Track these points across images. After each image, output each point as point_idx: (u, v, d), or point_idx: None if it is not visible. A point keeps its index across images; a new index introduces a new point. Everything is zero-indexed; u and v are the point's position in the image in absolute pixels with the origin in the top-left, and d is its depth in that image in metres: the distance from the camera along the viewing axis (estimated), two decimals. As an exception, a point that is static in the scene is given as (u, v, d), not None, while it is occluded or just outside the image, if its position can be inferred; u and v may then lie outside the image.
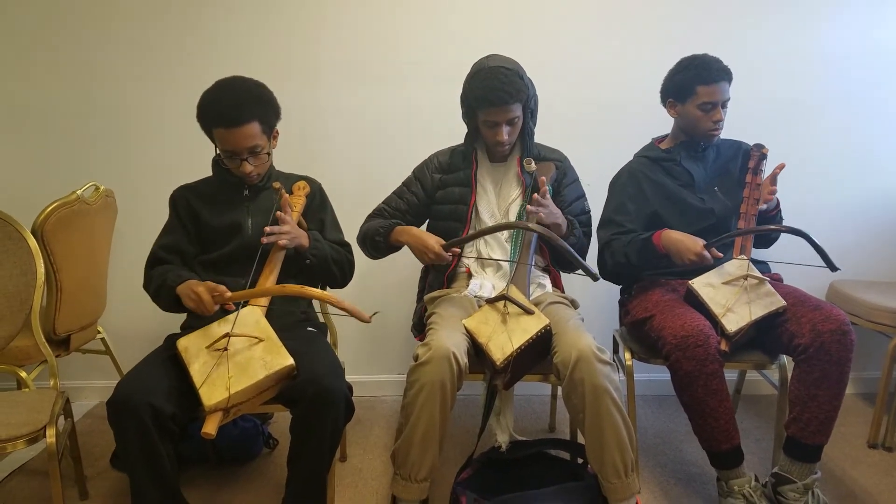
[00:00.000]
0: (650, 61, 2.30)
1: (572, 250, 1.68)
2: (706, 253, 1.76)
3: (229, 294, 1.52)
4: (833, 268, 1.72)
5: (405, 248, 1.88)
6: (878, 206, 2.57)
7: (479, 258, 1.92)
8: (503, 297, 1.68)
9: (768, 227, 1.85)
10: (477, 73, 1.79)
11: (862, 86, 2.47)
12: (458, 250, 1.85)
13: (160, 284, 1.63)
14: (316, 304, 1.98)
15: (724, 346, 1.69)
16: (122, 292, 2.47)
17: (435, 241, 1.78)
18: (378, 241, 1.89)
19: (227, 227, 1.74)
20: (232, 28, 2.38)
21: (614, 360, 2.12)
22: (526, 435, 2.23)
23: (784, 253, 2.19)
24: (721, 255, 1.79)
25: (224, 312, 1.56)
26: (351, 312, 1.46)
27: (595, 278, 1.69)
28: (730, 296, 1.75)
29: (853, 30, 2.42)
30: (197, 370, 1.43)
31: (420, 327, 1.92)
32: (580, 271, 1.74)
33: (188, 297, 1.54)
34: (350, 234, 1.96)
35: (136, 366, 1.51)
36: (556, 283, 2.00)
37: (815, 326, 1.64)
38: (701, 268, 1.79)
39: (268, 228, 1.63)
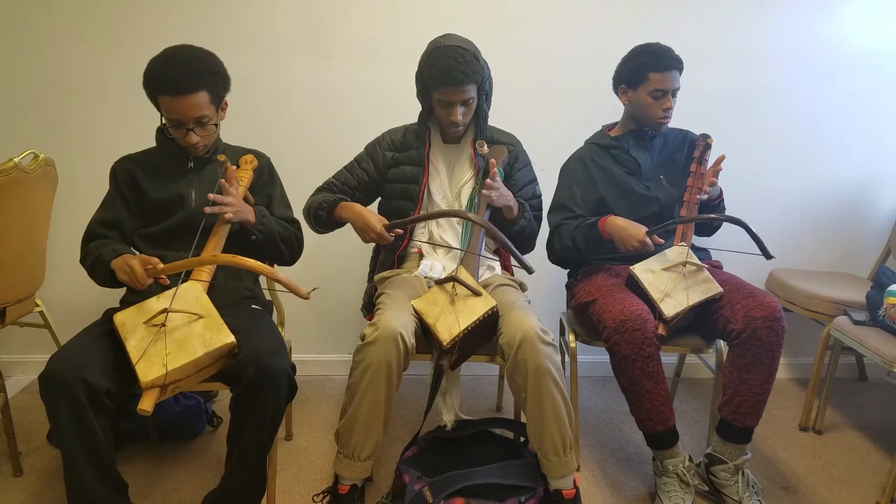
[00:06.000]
0: (603, 48, 2.32)
1: (510, 244, 1.70)
2: (648, 240, 1.80)
3: (162, 266, 1.48)
4: (768, 256, 1.78)
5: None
6: (819, 198, 2.65)
7: (431, 241, 1.92)
8: (452, 278, 1.69)
9: (708, 215, 1.90)
10: (433, 51, 1.77)
11: (807, 80, 2.53)
12: (401, 231, 1.84)
13: (95, 259, 1.59)
14: (263, 281, 1.96)
15: (661, 331, 1.73)
16: (63, 265, 2.40)
17: (377, 221, 1.77)
18: (321, 216, 1.88)
19: (170, 200, 1.70)
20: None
21: (560, 342, 2.17)
22: (473, 414, 2.26)
23: (726, 241, 2.26)
24: (662, 241, 1.83)
25: (163, 287, 1.53)
26: (287, 286, 1.43)
27: (530, 271, 1.72)
28: (669, 282, 1.79)
29: (800, 24, 2.48)
30: (133, 346, 1.40)
31: (370, 307, 1.92)
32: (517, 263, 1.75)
33: (122, 270, 1.50)
34: (299, 210, 1.94)
35: (71, 340, 1.47)
36: (506, 266, 2.02)
37: (749, 313, 1.69)
38: (643, 253, 1.83)
39: (212, 196, 1.59)
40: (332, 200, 1.88)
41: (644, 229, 1.81)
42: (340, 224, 1.92)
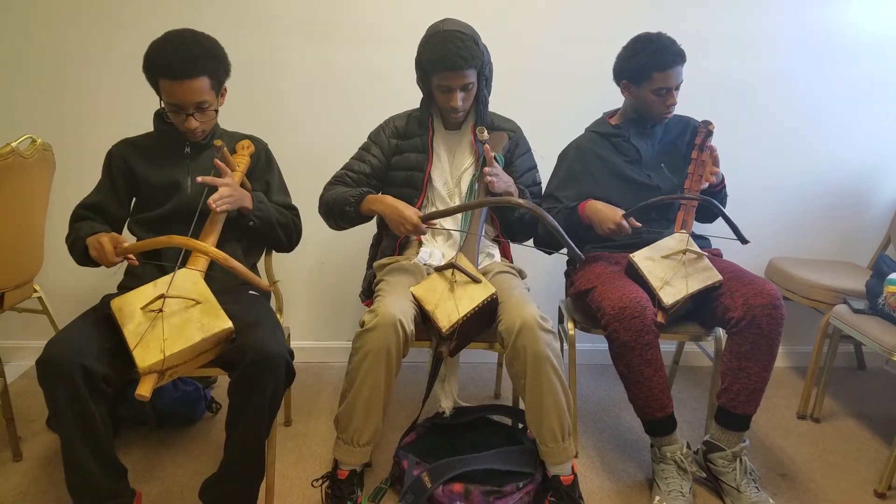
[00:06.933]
0: (607, 35, 2.29)
1: (563, 233, 1.63)
2: (624, 222, 1.79)
3: (128, 244, 1.49)
4: (743, 240, 1.79)
5: None
6: (820, 186, 2.64)
7: (431, 226, 1.91)
8: (451, 265, 1.68)
9: (680, 195, 1.88)
10: (432, 36, 1.75)
11: (810, 66, 2.51)
12: (436, 223, 1.80)
13: (75, 238, 1.61)
14: (261, 267, 1.95)
15: (660, 318, 1.73)
16: (61, 250, 2.34)
17: (413, 213, 1.70)
18: (348, 211, 1.79)
19: (165, 185, 1.69)
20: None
21: (559, 330, 2.17)
22: (472, 401, 2.27)
23: (727, 229, 2.24)
24: (639, 224, 1.82)
25: (161, 273, 1.52)
26: (245, 277, 1.45)
27: (580, 259, 1.66)
28: (668, 269, 1.79)
29: (805, 9, 2.45)
30: (131, 331, 1.39)
31: (369, 294, 1.91)
32: (564, 251, 1.65)
33: (93, 246, 1.51)
34: (297, 197, 1.92)
35: (68, 325, 1.47)
36: (505, 254, 2.01)
37: (748, 300, 1.69)
38: (640, 241, 1.82)
39: (211, 201, 1.55)
40: (357, 194, 1.80)
41: (621, 212, 1.81)
42: (368, 218, 1.85)
